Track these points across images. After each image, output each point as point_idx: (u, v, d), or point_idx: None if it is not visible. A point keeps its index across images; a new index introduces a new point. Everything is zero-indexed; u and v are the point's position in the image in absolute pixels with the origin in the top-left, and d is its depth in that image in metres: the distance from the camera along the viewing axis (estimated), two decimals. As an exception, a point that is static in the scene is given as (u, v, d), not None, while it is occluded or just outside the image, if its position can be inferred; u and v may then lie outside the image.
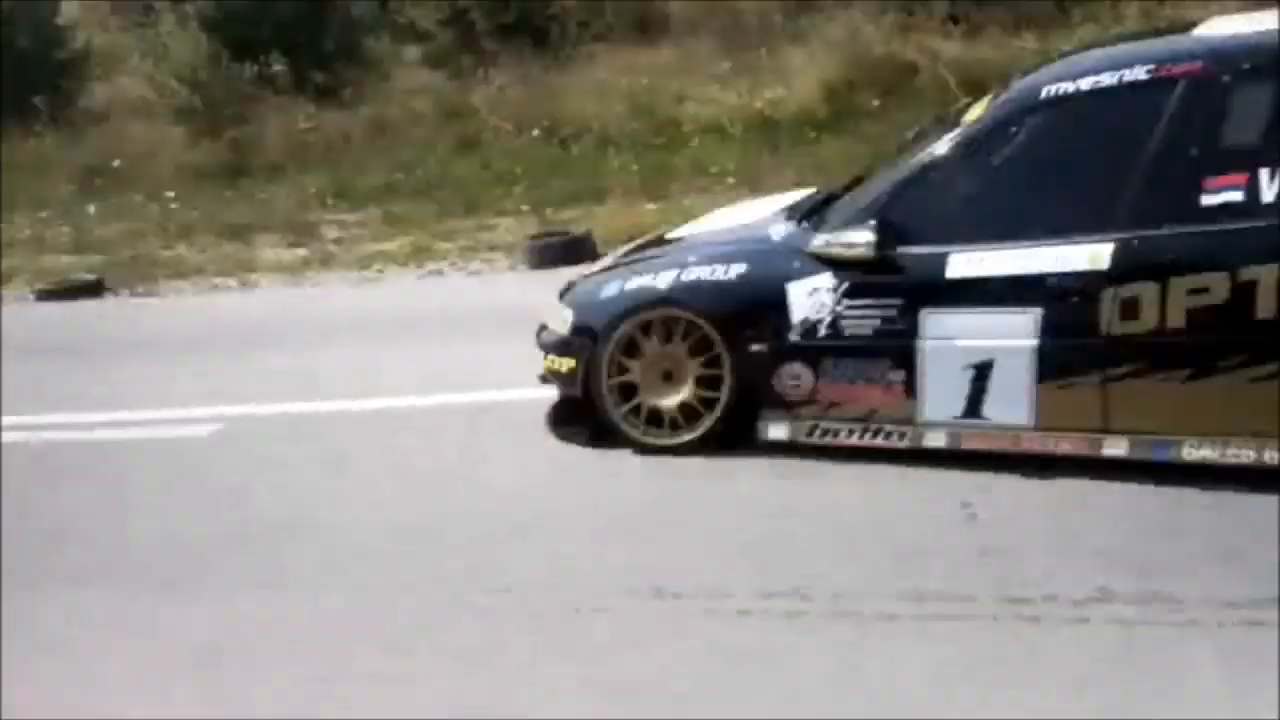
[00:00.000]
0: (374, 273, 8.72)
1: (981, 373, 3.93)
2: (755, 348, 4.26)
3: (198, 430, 5.54)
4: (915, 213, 4.04)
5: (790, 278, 4.21)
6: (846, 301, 4.11)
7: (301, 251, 9.36)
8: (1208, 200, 3.60)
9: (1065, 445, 3.87)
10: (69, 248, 10.29)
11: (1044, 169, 3.96)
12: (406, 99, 13.09)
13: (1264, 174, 3.54)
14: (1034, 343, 3.81)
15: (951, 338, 3.97)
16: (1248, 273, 3.51)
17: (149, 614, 3.75)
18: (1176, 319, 3.61)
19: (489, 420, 5.13)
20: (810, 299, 4.17)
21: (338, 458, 4.96)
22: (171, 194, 11.18)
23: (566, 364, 4.65)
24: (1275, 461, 3.60)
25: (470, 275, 8.35)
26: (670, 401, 4.48)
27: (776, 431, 4.33)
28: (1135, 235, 3.68)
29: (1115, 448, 3.82)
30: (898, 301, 4.03)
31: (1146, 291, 3.64)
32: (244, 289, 8.78)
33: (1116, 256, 3.68)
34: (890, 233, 4.01)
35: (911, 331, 4.01)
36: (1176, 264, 3.61)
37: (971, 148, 4.05)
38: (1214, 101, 3.65)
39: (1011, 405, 3.91)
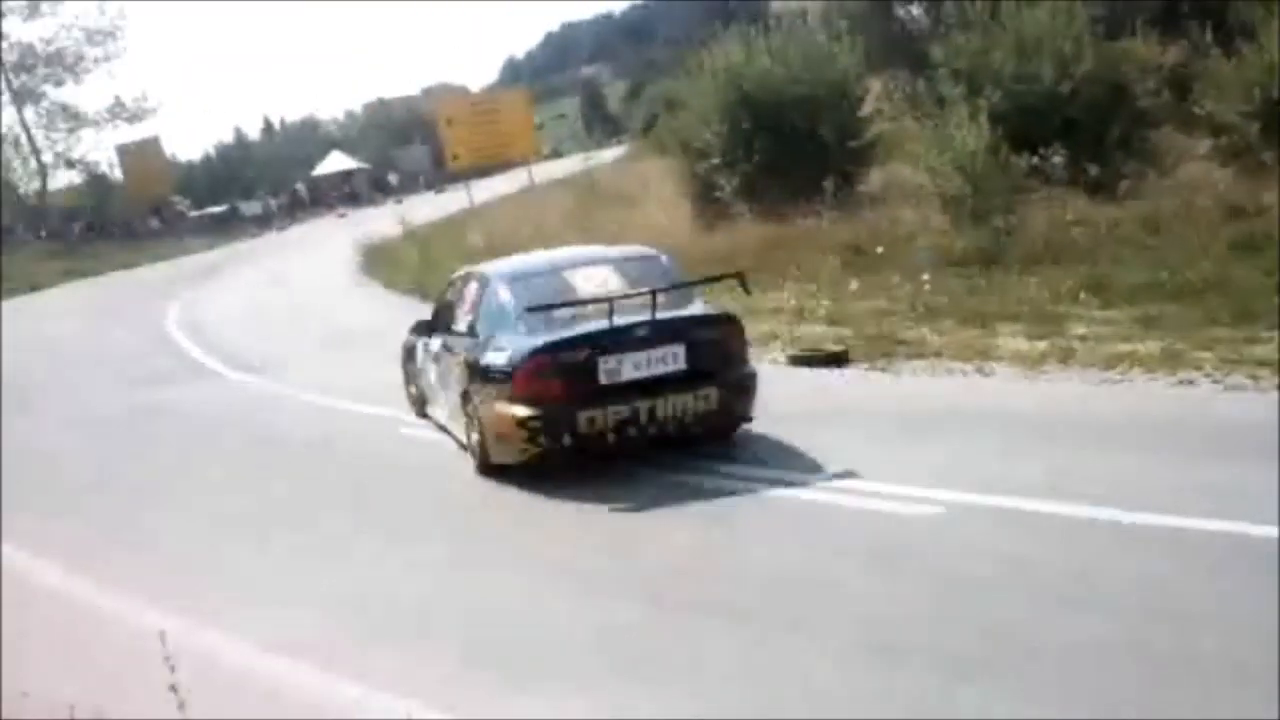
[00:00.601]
0: (1117, 374, 8.04)
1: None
2: None
3: (919, 509, 5.64)
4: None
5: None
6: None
7: (1043, 344, 8.97)
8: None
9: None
10: (825, 319, 10.97)
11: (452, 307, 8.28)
12: (1187, 194, 12.06)
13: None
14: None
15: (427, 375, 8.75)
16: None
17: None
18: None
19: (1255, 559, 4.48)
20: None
21: (1075, 569, 4.67)
22: (926, 277, 11.41)
23: None
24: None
25: (1228, 390, 7.34)
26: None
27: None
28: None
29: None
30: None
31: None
32: (979, 375, 8.67)
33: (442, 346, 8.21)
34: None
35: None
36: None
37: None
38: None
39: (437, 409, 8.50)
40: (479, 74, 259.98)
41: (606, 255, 8.05)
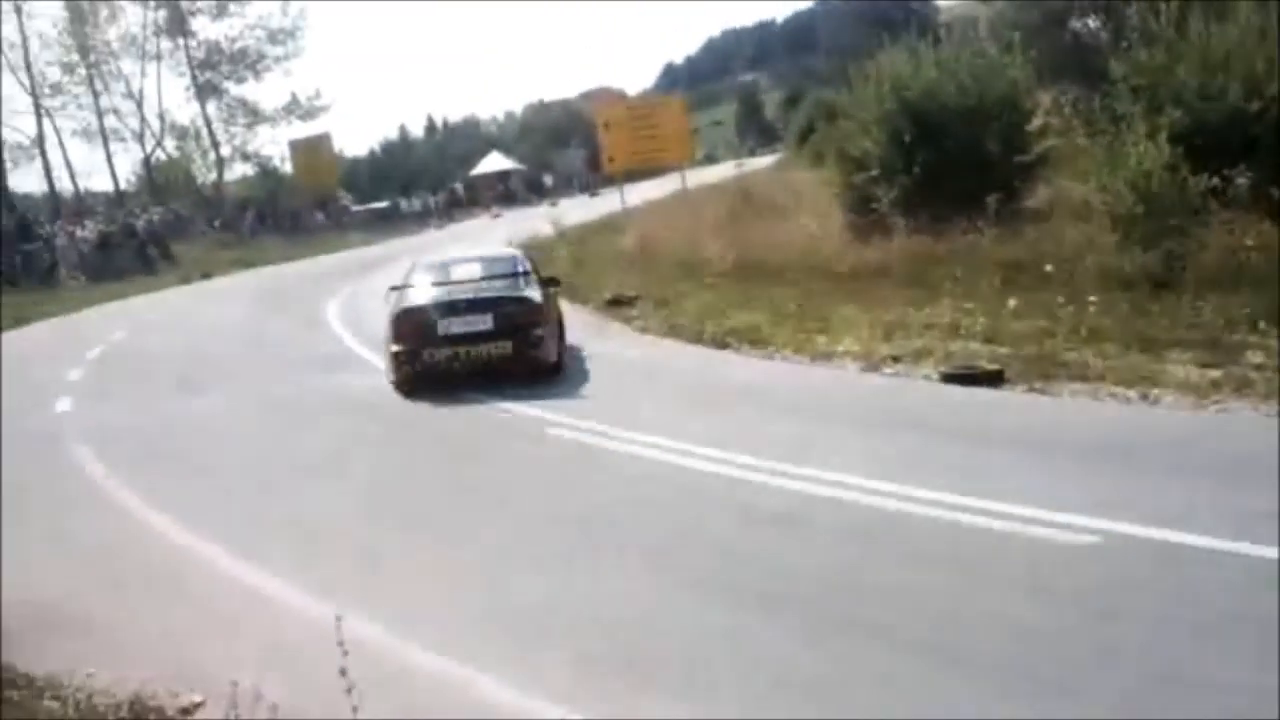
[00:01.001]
0: (1295, 408, 7.59)
1: None
2: None
3: (1075, 538, 5.50)
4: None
5: None
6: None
7: (1214, 373, 8.53)
8: None
9: None
10: (981, 337, 10.67)
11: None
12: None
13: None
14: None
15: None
16: None
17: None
18: None
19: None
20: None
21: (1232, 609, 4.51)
22: (1093, 298, 10.99)
23: None
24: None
25: None
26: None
27: None
28: None
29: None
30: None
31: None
32: (1144, 402, 8.30)
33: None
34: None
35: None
36: None
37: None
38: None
39: None
40: (637, 78, 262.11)
41: (481, 256, 13.03)
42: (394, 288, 11.80)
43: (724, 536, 6.14)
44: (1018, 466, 6.86)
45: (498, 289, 11.28)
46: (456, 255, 13.61)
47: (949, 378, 9.50)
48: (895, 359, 10.41)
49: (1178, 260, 11.47)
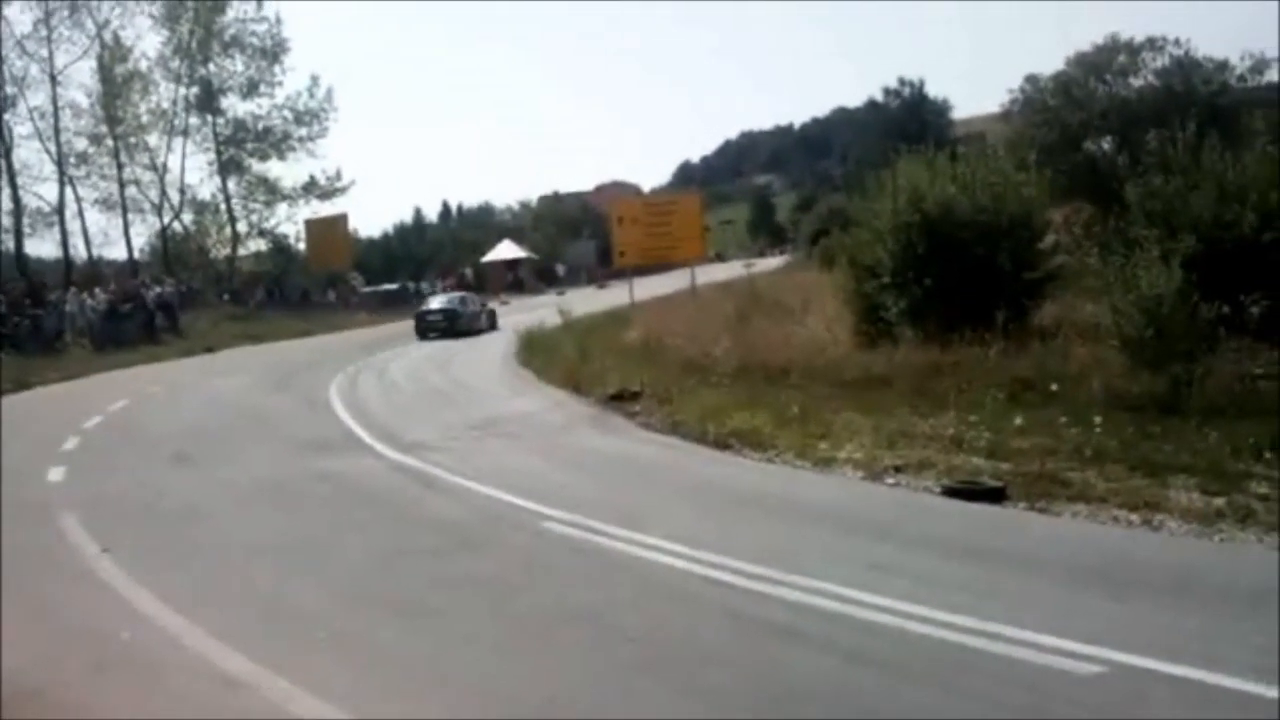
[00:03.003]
0: (1300, 543, 7.46)
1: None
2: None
3: (1078, 667, 5.34)
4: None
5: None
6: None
7: (1218, 501, 8.40)
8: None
9: None
10: (984, 452, 10.55)
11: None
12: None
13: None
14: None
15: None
16: None
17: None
18: None
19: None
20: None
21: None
22: (1098, 419, 10.90)
23: None
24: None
25: None
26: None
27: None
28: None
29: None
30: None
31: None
32: (1145, 527, 8.16)
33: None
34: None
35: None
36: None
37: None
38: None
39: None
40: (653, 173, 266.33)
41: (456, 297, 37.99)
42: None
43: (717, 647, 5.97)
44: (1017, 587, 6.71)
45: (459, 307, 29.76)
46: (442, 297, 32.63)
47: (951, 491, 9.38)
48: (897, 469, 10.29)
49: (1185, 385, 11.42)
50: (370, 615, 6.83)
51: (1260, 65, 35.91)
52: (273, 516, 10.05)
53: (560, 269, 74.84)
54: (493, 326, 33.38)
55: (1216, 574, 7.00)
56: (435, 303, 36.02)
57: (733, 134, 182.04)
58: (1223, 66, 35.67)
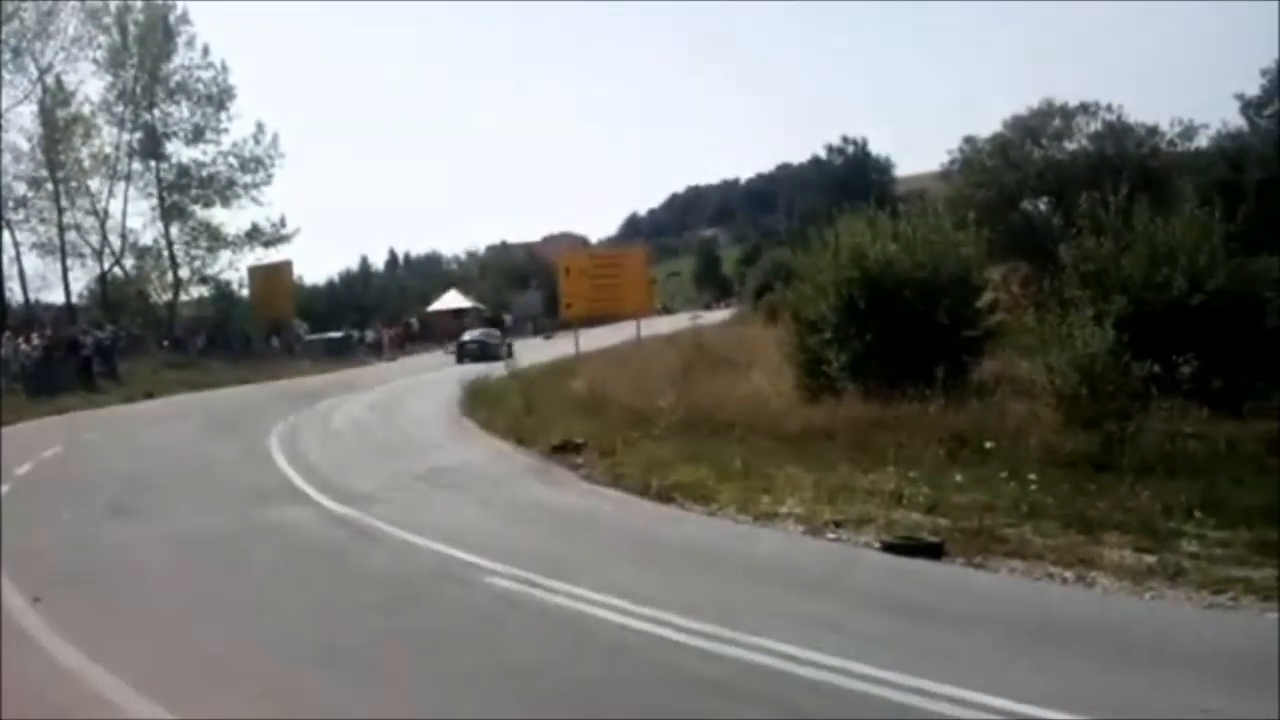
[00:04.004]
0: (1227, 600, 7.62)
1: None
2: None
3: None
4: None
5: None
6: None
7: (1150, 559, 8.56)
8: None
9: None
10: (924, 507, 10.66)
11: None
12: (1316, 419, 11.61)
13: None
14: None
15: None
16: None
17: None
18: None
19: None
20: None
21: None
22: (1034, 476, 11.07)
23: None
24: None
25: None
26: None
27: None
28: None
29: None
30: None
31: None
32: (1079, 584, 8.28)
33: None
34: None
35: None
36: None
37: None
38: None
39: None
40: (601, 225, 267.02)
41: (486, 332, 50.63)
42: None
43: (657, 704, 5.96)
44: (954, 645, 6.75)
45: (487, 340, 33.39)
46: (475, 332, 44.03)
47: (890, 547, 9.46)
48: (838, 524, 10.36)
49: (1118, 443, 11.65)
50: (305, 670, 6.73)
51: (1189, 132, 37.09)
52: (209, 569, 9.89)
53: (507, 319, 74.80)
54: (510, 355, 36.50)
55: (1148, 632, 7.12)
56: (469, 335, 49.11)
57: (679, 188, 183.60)
58: (1153, 131, 36.78)
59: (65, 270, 50.66)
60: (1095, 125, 37.28)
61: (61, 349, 37.24)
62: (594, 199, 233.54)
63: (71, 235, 50.67)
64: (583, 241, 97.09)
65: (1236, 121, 41.69)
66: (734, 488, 12.05)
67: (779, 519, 10.83)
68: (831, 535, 10.14)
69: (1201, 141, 38.04)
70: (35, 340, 37.05)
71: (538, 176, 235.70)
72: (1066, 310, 13.91)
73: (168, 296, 54.56)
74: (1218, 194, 16.93)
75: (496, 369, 27.29)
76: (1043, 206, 35.61)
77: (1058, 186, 33.73)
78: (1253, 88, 42.38)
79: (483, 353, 41.65)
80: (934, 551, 9.23)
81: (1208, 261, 13.99)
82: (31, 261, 49.98)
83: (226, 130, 52.95)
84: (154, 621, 8.08)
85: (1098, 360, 12.51)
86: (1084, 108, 37.57)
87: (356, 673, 6.69)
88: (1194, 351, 12.70)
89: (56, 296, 52.03)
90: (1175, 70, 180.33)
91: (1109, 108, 37.44)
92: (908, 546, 9.35)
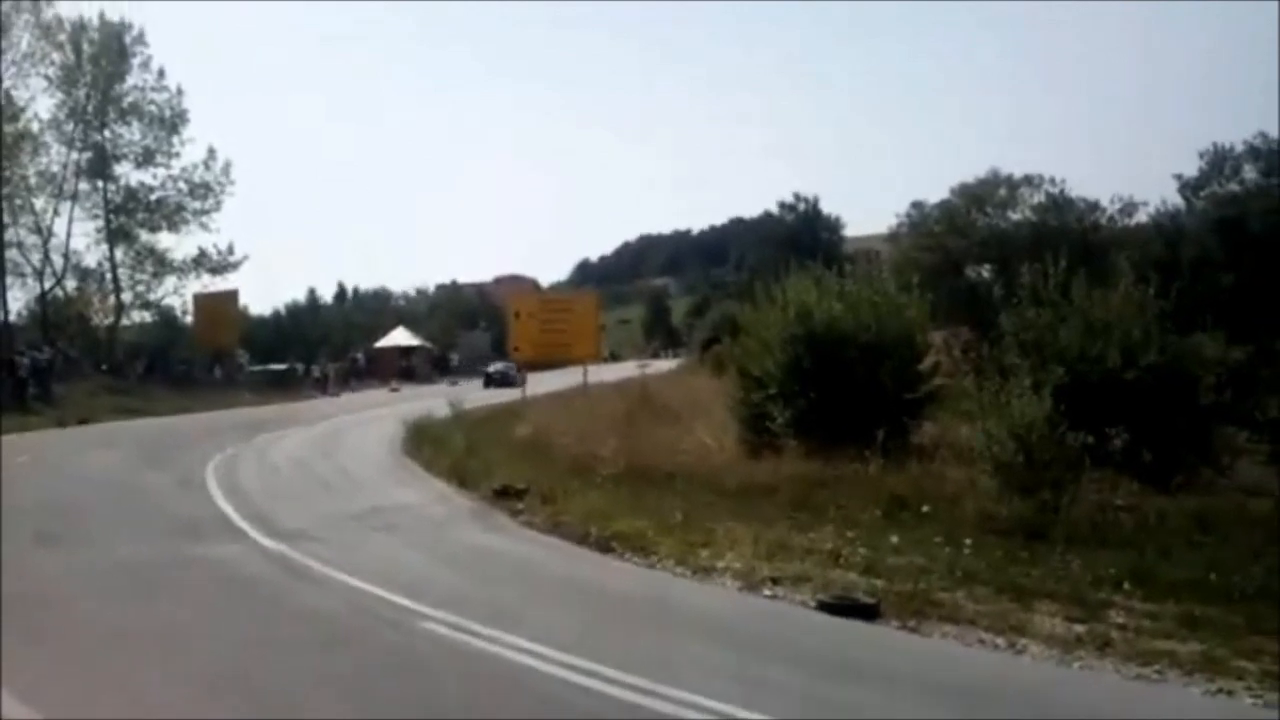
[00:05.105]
0: (1153, 673, 7.74)
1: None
2: None
3: None
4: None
5: None
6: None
7: (1079, 628, 8.69)
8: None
9: None
10: (860, 567, 10.74)
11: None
12: (1242, 497, 11.88)
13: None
14: None
15: None
16: None
17: None
18: None
19: None
20: None
21: None
22: (969, 541, 11.21)
23: None
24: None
25: (1267, 706, 7.06)
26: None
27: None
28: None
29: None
30: None
31: None
32: (1010, 651, 8.38)
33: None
34: None
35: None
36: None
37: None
38: None
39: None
40: (552, 269, 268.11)
41: (507, 365, 46.89)
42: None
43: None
44: (883, 707, 6.83)
45: (505, 371, 41.33)
46: (498, 365, 49.74)
47: (826, 606, 9.51)
48: (775, 581, 10.41)
49: (1052, 511, 11.83)
50: (228, 709, 6.62)
51: (1129, 208, 38.14)
52: (135, 602, 9.69)
53: (454, 359, 74.46)
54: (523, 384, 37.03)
55: (1075, 701, 7.25)
56: (494, 367, 53.66)
57: (631, 236, 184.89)
58: (1094, 206, 37.75)
59: (4, 289, 49.71)
60: (1039, 197, 38.23)
61: (-4, 368, 36.52)
62: (546, 242, 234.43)
63: (13, 253, 49.80)
64: (534, 284, 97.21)
65: (1175, 200, 42.94)
66: (674, 540, 12.06)
67: (717, 573, 10.85)
68: (768, 592, 10.17)
69: (1141, 218, 39.11)
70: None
71: (491, 217, 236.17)
72: (1006, 378, 14.15)
73: (109, 320, 53.70)
74: (1154, 271, 17.36)
75: (440, 409, 27.10)
76: (986, 273, 36.33)
77: (1000, 255, 34.45)
78: (1190, 169, 43.70)
79: (505, 381, 47.36)
80: (869, 613, 9.30)
81: (1142, 336, 14.33)
82: (-32, 279, 48.97)
83: (178, 154, 52.52)
84: (74, 652, 7.91)
85: (1034, 429, 12.73)
86: (1028, 179, 38.52)
87: (277, 711, 6.60)
88: (1126, 424, 12.96)
89: (-8, 315, 51.03)
90: (1117, 148, 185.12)
91: (1052, 180, 38.44)
92: (843, 606, 9.42)
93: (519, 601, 9.76)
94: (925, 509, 12.46)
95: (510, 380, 46.28)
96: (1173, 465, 13.16)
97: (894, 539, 11.63)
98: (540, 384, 31.83)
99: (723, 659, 7.97)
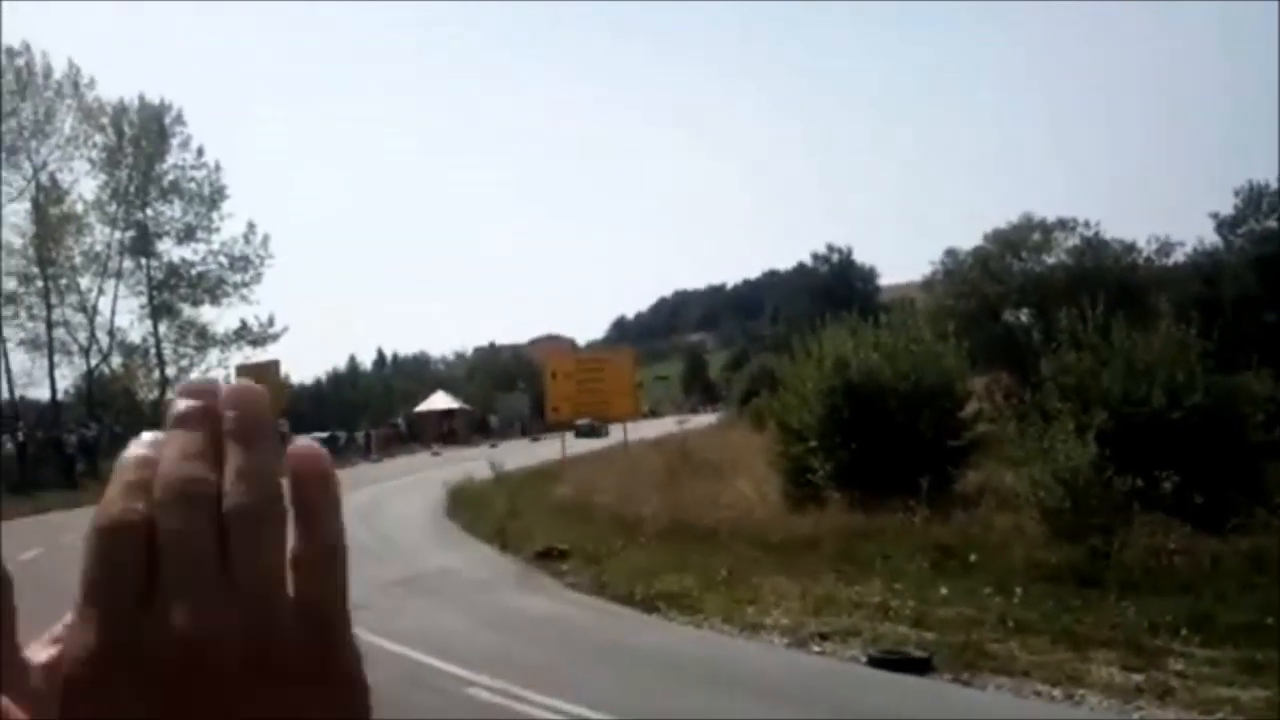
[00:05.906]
0: (1217, 721, 7.57)
1: None
2: None
3: None
4: None
5: None
6: None
7: (1137, 677, 8.52)
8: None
9: None
10: (910, 620, 10.61)
11: None
12: (1298, 535, 11.62)
13: None
14: None
15: None
16: None
17: None
18: None
19: None
20: None
21: None
22: (1019, 590, 11.04)
23: None
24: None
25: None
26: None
27: None
28: None
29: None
30: None
31: None
32: (1068, 702, 8.23)
33: None
34: None
35: None
36: None
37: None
38: None
39: None
40: (588, 328, 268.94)
41: (593, 419, 39.85)
42: None
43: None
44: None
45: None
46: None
47: (877, 661, 9.40)
48: (824, 636, 10.30)
49: (1103, 557, 11.63)
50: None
51: (1166, 248, 37.87)
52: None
53: (494, 421, 74.68)
54: (608, 434, 39.95)
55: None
56: (580, 421, 48.46)
57: (667, 292, 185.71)
58: (1130, 248, 37.51)
59: (52, 366, 50.54)
60: (1073, 240, 38.05)
61: (41, 447, 36.99)
62: (582, 301, 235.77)
63: (60, 332, 50.70)
64: (570, 343, 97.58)
65: (1212, 239, 42.62)
66: (719, 597, 11.97)
67: (765, 630, 10.75)
68: (818, 648, 10.07)
69: (1178, 258, 38.82)
70: (20, 436, 36.82)
71: (527, 279, 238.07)
72: (1049, 423, 14.00)
73: (154, 395, 54.38)
74: (1195, 310, 17.17)
75: (482, 471, 27.15)
76: (1024, 318, 36.10)
77: (1038, 299, 34.25)
78: (1226, 207, 43.40)
79: (592, 432, 47.50)
80: (921, 666, 9.18)
81: (1186, 377, 14.14)
82: (19, 358, 49.84)
83: (218, 229, 53.41)
84: None
85: (1080, 473, 12.56)
86: (1062, 223, 38.36)
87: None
88: (1175, 467, 12.75)
89: (42, 393, 51.80)
90: (1151, 188, 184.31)
91: (1086, 223, 38.26)
92: (895, 661, 9.30)
93: (564, 665, 9.70)
94: (973, 558, 12.29)
95: (597, 431, 48.12)
96: (1225, 507, 12.91)
97: (943, 589, 11.48)
98: (579, 443, 31.88)
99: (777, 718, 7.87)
